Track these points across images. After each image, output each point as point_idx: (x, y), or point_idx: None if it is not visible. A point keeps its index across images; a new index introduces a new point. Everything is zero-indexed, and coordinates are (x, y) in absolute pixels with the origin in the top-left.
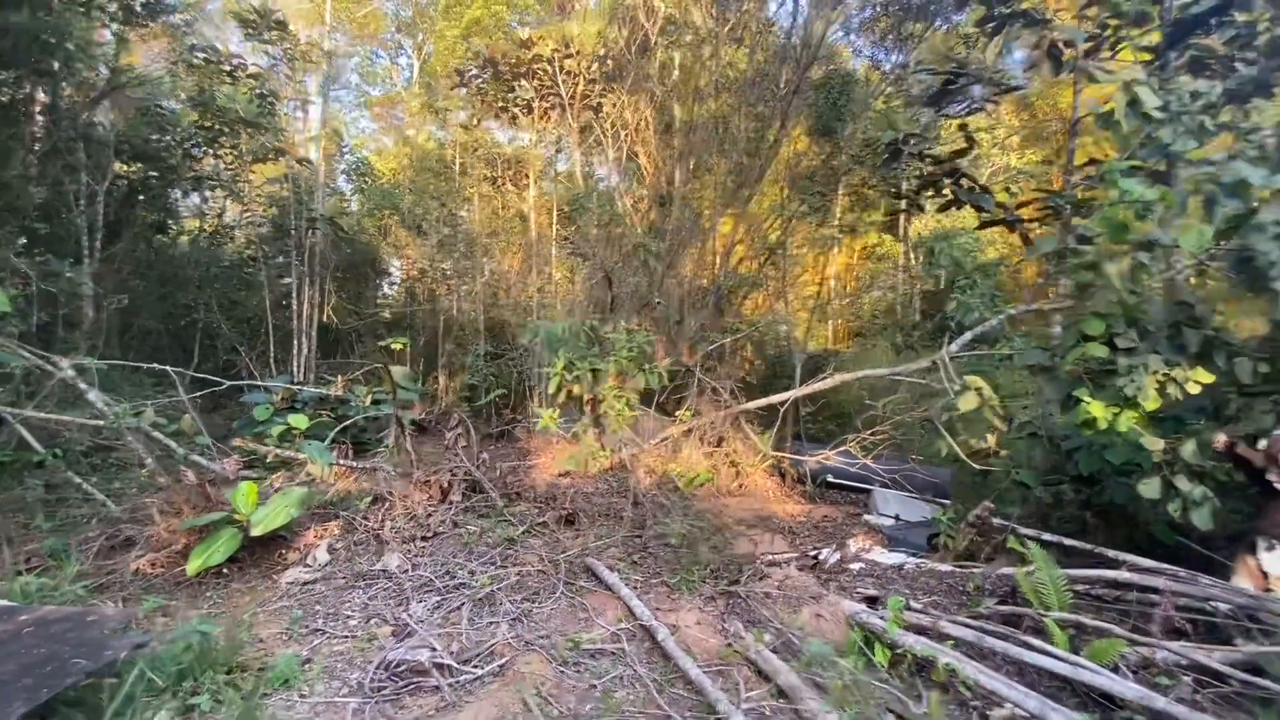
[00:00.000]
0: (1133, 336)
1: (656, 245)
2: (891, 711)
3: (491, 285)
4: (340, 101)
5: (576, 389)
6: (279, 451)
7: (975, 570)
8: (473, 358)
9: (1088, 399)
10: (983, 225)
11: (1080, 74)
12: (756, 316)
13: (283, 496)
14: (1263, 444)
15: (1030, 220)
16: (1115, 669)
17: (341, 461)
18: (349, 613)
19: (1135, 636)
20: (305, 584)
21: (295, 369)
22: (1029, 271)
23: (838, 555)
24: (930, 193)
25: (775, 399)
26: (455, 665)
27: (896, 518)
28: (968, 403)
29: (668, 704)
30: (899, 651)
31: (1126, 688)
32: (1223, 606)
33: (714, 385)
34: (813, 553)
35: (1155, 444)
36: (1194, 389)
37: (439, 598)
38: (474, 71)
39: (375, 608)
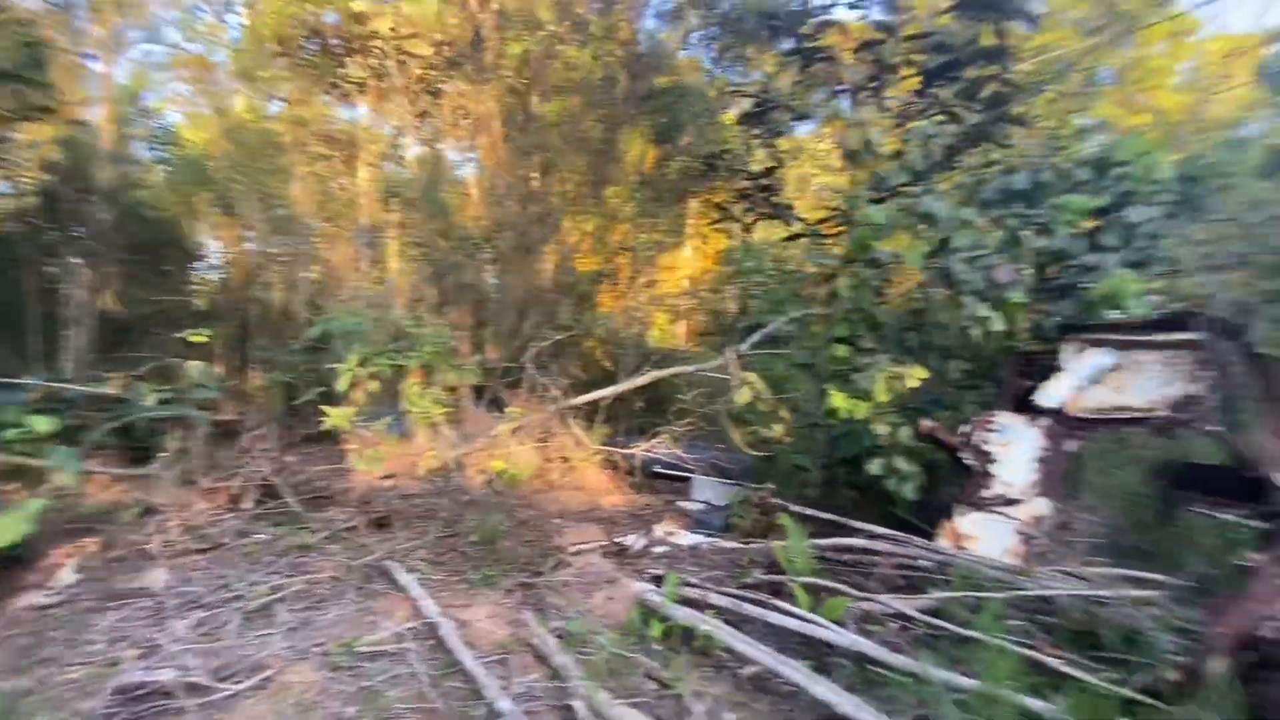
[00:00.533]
0: (871, 340)
1: (500, 240)
2: (651, 678)
3: (318, 274)
4: (149, 61)
5: (373, 386)
6: (11, 459)
7: (751, 545)
8: (289, 353)
9: (834, 392)
10: (789, 238)
11: (860, 109)
12: (609, 315)
13: (14, 511)
14: (964, 429)
15: (828, 235)
16: (840, 622)
17: (100, 469)
18: (92, 637)
19: (858, 593)
20: (43, 609)
21: (66, 364)
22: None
23: (644, 540)
24: (746, 205)
25: (596, 395)
26: (209, 683)
27: (707, 503)
28: (743, 397)
29: (439, 697)
30: (670, 624)
31: (840, 636)
32: (925, 563)
33: (544, 382)
34: (618, 539)
35: (881, 430)
36: (913, 384)
37: (206, 613)
38: (301, 42)
39: (126, 630)
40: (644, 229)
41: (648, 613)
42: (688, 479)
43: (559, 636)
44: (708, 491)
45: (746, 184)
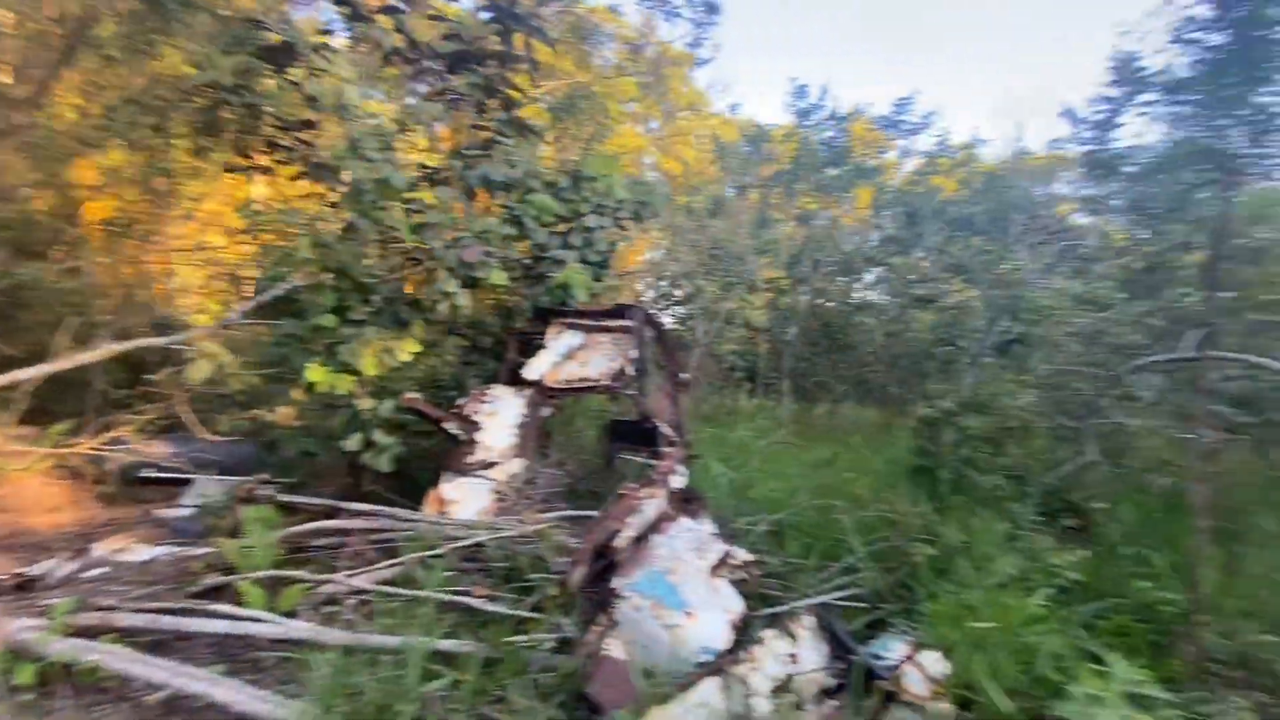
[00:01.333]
0: (362, 311)
1: None
2: None
3: None
4: None
5: None
6: None
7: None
8: None
9: (313, 364)
10: (334, 204)
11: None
12: (90, 269)
13: None
14: (460, 401)
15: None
16: (294, 612)
17: None
18: None
19: (319, 577)
20: None
21: None
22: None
23: (71, 565)
24: (280, 157)
25: (12, 378)
26: None
27: (198, 506)
28: (199, 371)
29: None
30: (45, 664)
31: (273, 628)
32: (405, 533)
33: None
34: (21, 570)
35: (365, 404)
36: (405, 358)
37: None
38: None
39: None
40: (153, 164)
41: (18, 655)
42: (191, 481)
43: None
44: (210, 491)
45: (278, 132)
